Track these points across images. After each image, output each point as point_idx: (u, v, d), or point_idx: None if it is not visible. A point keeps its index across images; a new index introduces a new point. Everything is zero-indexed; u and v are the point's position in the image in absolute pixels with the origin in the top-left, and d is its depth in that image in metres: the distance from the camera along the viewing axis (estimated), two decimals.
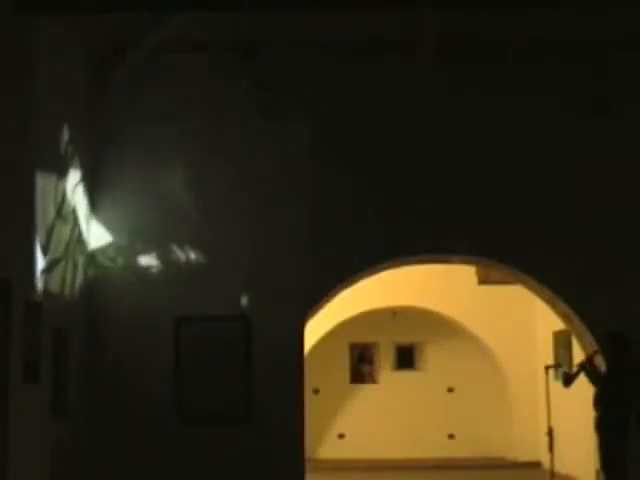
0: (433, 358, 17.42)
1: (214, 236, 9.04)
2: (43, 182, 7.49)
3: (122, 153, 9.12)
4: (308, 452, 9.98)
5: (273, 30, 8.63)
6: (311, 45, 9.00)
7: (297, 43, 8.96)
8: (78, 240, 8.58)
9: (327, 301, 9.45)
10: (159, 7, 7.64)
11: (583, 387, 8.90)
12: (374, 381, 17.56)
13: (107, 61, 8.88)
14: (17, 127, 6.87)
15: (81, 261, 8.64)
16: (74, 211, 8.41)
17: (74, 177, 8.39)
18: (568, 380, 9.03)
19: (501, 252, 9.17)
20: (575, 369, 9.17)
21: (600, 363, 8.79)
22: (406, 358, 17.53)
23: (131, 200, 9.08)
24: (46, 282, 7.48)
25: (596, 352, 8.83)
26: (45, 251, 7.50)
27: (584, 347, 9.43)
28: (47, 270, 7.60)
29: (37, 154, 7.38)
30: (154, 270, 8.97)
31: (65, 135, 8.18)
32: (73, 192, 8.34)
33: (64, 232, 8.13)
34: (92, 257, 8.86)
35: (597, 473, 8.93)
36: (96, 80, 8.95)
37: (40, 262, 7.37)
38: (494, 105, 9.22)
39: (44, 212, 7.49)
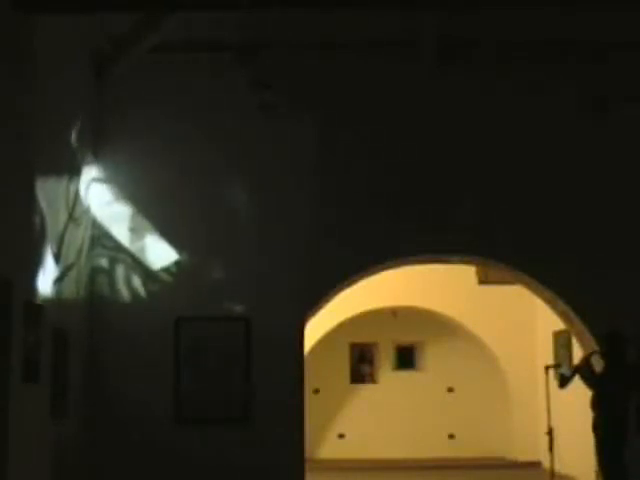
0: (433, 358, 17.42)
1: (214, 236, 9.04)
2: (44, 182, 7.49)
3: (122, 153, 9.12)
4: (308, 452, 9.98)
5: (273, 30, 8.63)
6: (311, 45, 9.00)
7: (297, 43, 8.95)
8: (91, 243, 8.68)
9: (327, 301, 9.45)
10: (159, 7, 7.65)
11: (583, 387, 8.89)
12: (374, 381, 17.57)
13: (107, 61, 8.88)
14: (16, 127, 6.86)
15: (87, 264, 8.68)
16: (76, 211, 8.40)
17: (76, 177, 8.39)
18: (563, 382, 9.01)
19: (501, 252, 9.18)
20: (571, 371, 9.17)
21: (597, 363, 8.78)
22: (406, 358, 17.53)
23: (130, 200, 9.07)
24: (48, 283, 7.48)
25: (592, 353, 8.82)
26: (45, 252, 7.49)
27: (584, 347, 9.43)
28: (60, 277, 7.67)
29: (37, 154, 7.37)
30: (155, 270, 8.97)
31: (64, 135, 8.18)
32: (72, 192, 8.34)
33: (74, 235, 8.17)
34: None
35: (597, 473, 8.92)
36: (96, 80, 8.95)
37: (41, 263, 7.37)
38: (494, 105, 9.23)
39: (42, 212, 7.47)
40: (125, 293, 8.94)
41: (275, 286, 8.96)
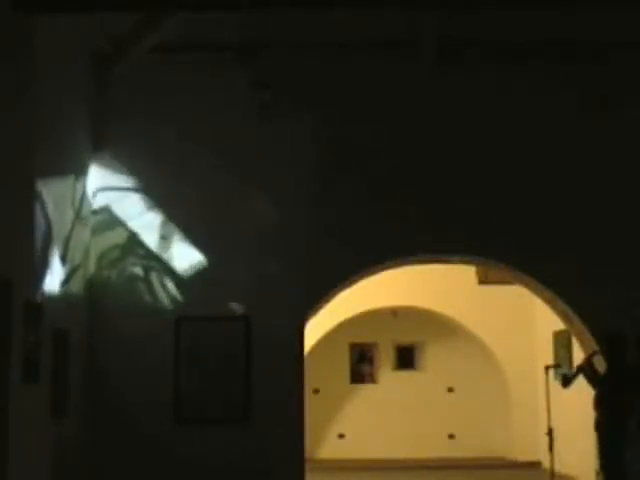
0: (433, 358, 17.42)
1: (214, 236, 9.04)
2: (44, 183, 7.48)
3: (121, 153, 9.11)
4: (308, 452, 9.98)
5: (273, 30, 8.63)
6: (311, 45, 8.99)
7: (297, 43, 8.95)
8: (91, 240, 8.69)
9: (327, 301, 9.45)
10: (159, 7, 7.65)
11: (583, 387, 8.89)
12: (374, 381, 17.57)
13: (107, 61, 8.88)
14: (16, 127, 6.86)
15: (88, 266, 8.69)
16: (80, 213, 8.40)
17: (76, 178, 8.39)
18: (566, 381, 9.02)
19: (501, 252, 9.17)
20: (574, 371, 9.17)
21: (599, 364, 8.78)
22: (406, 358, 17.54)
23: (130, 200, 9.07)
24: (48, 283, 7.48)
25: (595, 353, 8.82)
26: (45, 252, 7.49)
27: (584, 347, 9.42)
28: (61, 278, 7.67)
29: (36, 154, 7.37)
30: (154, 270, 8.96)
31: (64, 135, 8.17)
32: (74, 192, 8.35)
33: (75, 237, 8.18)
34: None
35: (597, 473, 8.92)
36: (96, 80, 8.95)
37: (41, 263, 7.37)
38: (494, 105, 9.23)
39: (42, 212, 7.47)
40: (125, 293, 8.93)
41: (275, 286, 8.95)
